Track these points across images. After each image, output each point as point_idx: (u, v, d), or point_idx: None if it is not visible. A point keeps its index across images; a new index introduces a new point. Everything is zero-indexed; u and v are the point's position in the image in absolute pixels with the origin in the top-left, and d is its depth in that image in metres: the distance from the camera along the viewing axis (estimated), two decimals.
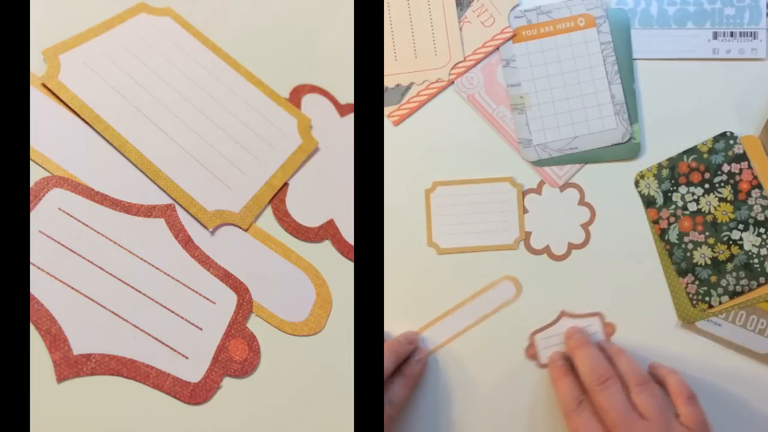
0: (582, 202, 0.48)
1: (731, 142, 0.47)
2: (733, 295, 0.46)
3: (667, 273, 0.47)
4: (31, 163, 0.41)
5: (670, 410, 0.40)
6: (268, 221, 0.47)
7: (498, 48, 0.49)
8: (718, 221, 0.46)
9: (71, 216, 0.40)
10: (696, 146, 0.47)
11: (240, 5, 0.57)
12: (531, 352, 0.47)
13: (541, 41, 0.49)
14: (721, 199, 0.47)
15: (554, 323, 0.47)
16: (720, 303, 0.46)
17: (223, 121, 0.49)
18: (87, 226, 0.40)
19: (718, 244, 0.46)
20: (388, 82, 0.49)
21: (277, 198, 0.48)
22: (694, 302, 0.46)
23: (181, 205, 0.44)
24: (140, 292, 0.40)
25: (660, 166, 0.47)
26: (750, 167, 0.47)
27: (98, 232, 0.41)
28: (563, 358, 0.45)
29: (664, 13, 0.49)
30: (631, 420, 0.39)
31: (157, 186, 0.44)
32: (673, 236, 0.47)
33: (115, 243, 0.41)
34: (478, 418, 0.46)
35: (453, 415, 0.46)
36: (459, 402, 0.46)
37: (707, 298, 0.46)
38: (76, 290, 0.38)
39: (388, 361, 0.43)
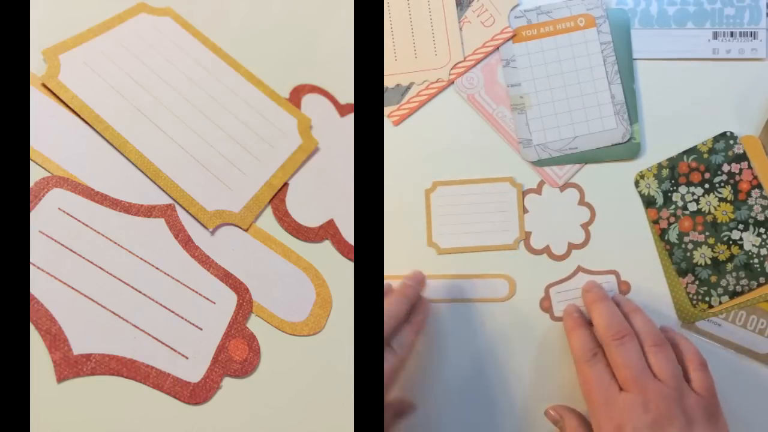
0: (582, 202, 0.48)
1: (731, 142, 0.47)
2: (733, 295, 0.46)
3: (667, 273, 0.47)
4: (31, 163, 0.41)
5: (683, 375, 0.40)
6: (268, 221, 0.47)
7: (498, 48, 0.49)
8: (718, 221, 0.46)
9: (71, 216, 0.40)
10: (696, 146, 0.47)
11: (240, 5, 0.57)
12: (545, 305, 0.47)
13: (541, 41, 0.49)
14: (721, 199, 0.47)
15: (570, 278, 0.47)
16: (720, 303, 0.46)
17: (223, 121, 0.49)
18: (87, 226, 0.40)
19: (718, 244, 0.46)
20: (388, 82, 0.49)
21: (277, 198, 0.48)
22: (694, 302, 0.46)
23: (181, 205, 0.44)
24: (140, 292, 0.40)
25: (660, 166, 0.47)
26: (750, 167, 0.47)
27: (98, 232, 0.41)
28: (578, 311, 0.45)
29: (664, 13, 0.49)
30: (644, 378, 0.39)
31: (157, 186, 0.44)
32: (673, 236, 0.47)
33: (115, 243, 0.41)
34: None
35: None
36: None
37: (707, 298, 0.46)
38: (76, 290, 0.38)
39: (404, 305, 0.42)
